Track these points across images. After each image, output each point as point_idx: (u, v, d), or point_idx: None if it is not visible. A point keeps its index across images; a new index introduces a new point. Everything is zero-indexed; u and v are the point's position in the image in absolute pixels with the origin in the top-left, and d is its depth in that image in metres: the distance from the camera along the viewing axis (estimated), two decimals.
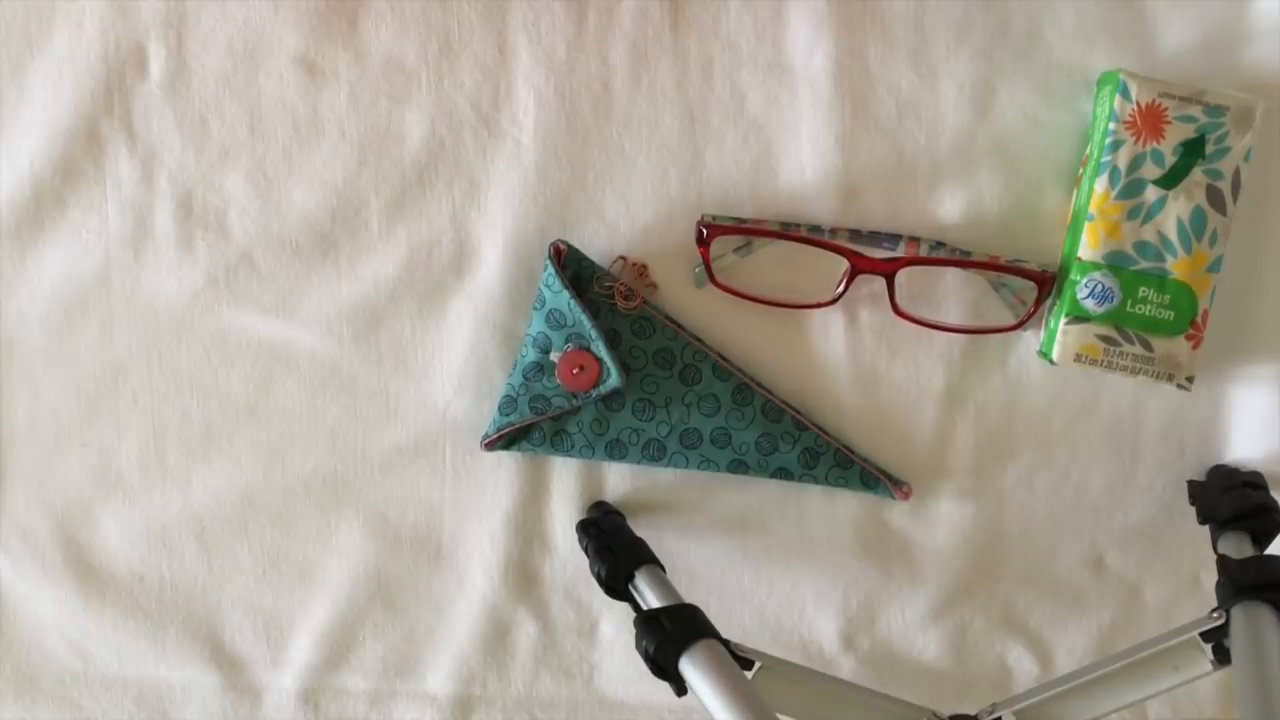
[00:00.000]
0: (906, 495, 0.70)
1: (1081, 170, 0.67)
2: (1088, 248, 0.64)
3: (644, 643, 0.57)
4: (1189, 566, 0.73)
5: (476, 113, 0.69)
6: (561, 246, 0.67)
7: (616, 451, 0.69)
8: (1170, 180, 0.64)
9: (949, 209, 0.69)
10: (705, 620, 0.58)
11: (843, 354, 0.70)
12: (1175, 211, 0.64)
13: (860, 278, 0.66)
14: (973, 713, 0.61)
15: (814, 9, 0.68)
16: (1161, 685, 0.58)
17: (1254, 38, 0.67)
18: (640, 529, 0.69)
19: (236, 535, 0.73)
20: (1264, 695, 0.51)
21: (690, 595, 0.67)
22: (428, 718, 0.75)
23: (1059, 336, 0.65)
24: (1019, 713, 0.60)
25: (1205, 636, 0.57)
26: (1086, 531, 0.72)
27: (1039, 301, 0.66)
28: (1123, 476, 0.72)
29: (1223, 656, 0.57)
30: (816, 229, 0.69)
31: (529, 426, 0.68)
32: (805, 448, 0.69)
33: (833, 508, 0.72)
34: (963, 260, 0.67)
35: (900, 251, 0.68)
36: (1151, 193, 0.64)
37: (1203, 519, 0.68)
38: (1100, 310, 0.64)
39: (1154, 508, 0.72)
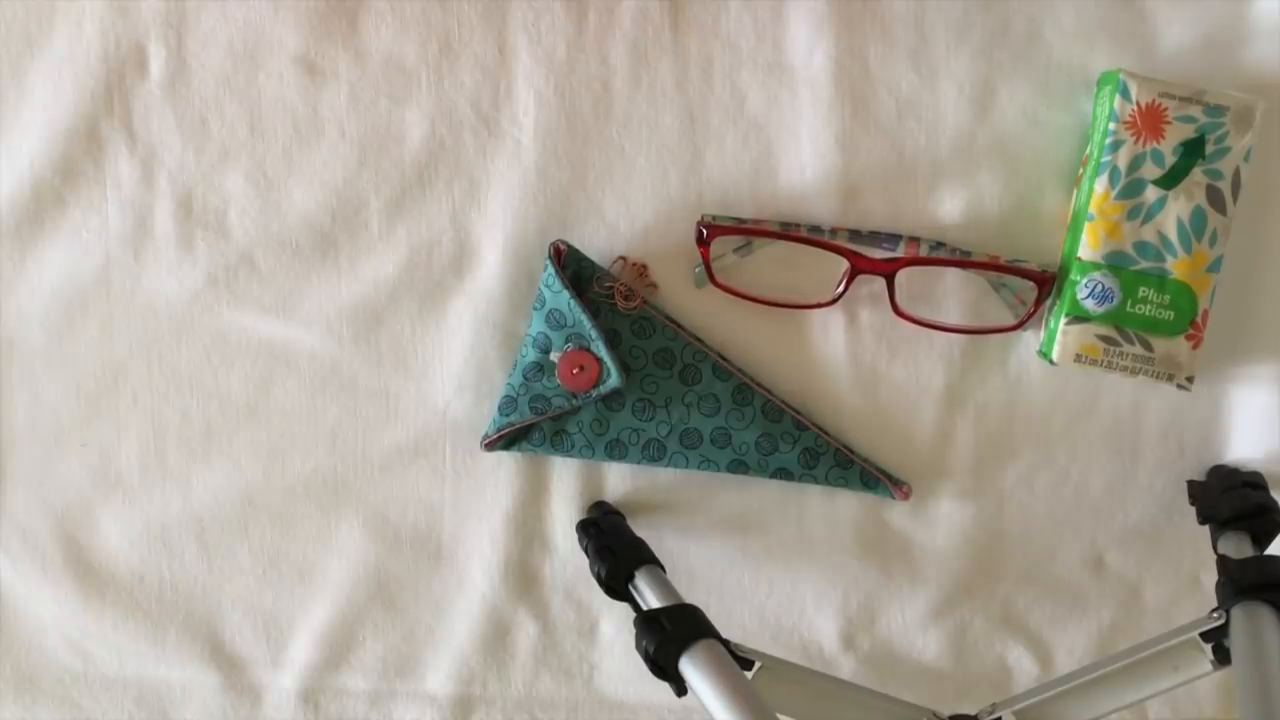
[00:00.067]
0: (906, 495, 0.70)
1: (1081, 170, 0.67)
2: (1088, 248, 0.64)
3: (644, 643, 0.57)
4: (1189, 566, 0.73)
5: (476, 113, 0.69)
6: (561, 246, 0.67)
7: (616, 451, 0.69)
8: (1170, 180, 0.64)
9: (949, 209, 0.69)
10: (705, 620, 0.58)
11: (843, 354, 0.70)
12: (1175, 211, 0.64)
13: (860, 278, 0.66)
14: (973, 713, 0.61)
15: (814, 9, 0.68)
16: (1161, 685, 0.58)
17: (1254, 38, 0.67)
18: (640, 529, 0.69)
19: (236, 535, 0.73)
20: (1264, 695, 0.51)
21: (690, 595, 0.67)
22: (428, 718, 0.75)
23: (1059, 336, 0.65)
24: (1019, 713, 0.60)
25: (1205, 636, 0.57)
26: (1086, 531, 0.72)
27: (1039, 301, 0.66)
28: (1123, 476, 0.72)
29: (1223, 656, 0.57)
30: (816, 229, 0.69)
31: (529, 426, 0.68)
32: (805, 448, 0.69)
33: (833, 508, 0.72)
34: (963, 260, 0.67)
35: (900, 251, 0.68)
36: (1151, 193, 0.64)
37: (1203, 519, 0.68)
38: (1100, 310, 0.64)
39: (1154, 508, 0.72)
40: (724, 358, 0.69)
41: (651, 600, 0.62)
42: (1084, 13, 0.67)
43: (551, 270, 0.66)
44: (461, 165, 0.69)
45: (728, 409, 0.68)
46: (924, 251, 0.68)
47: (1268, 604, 0.57)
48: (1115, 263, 0.64)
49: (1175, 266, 0.64)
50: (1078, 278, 0.65)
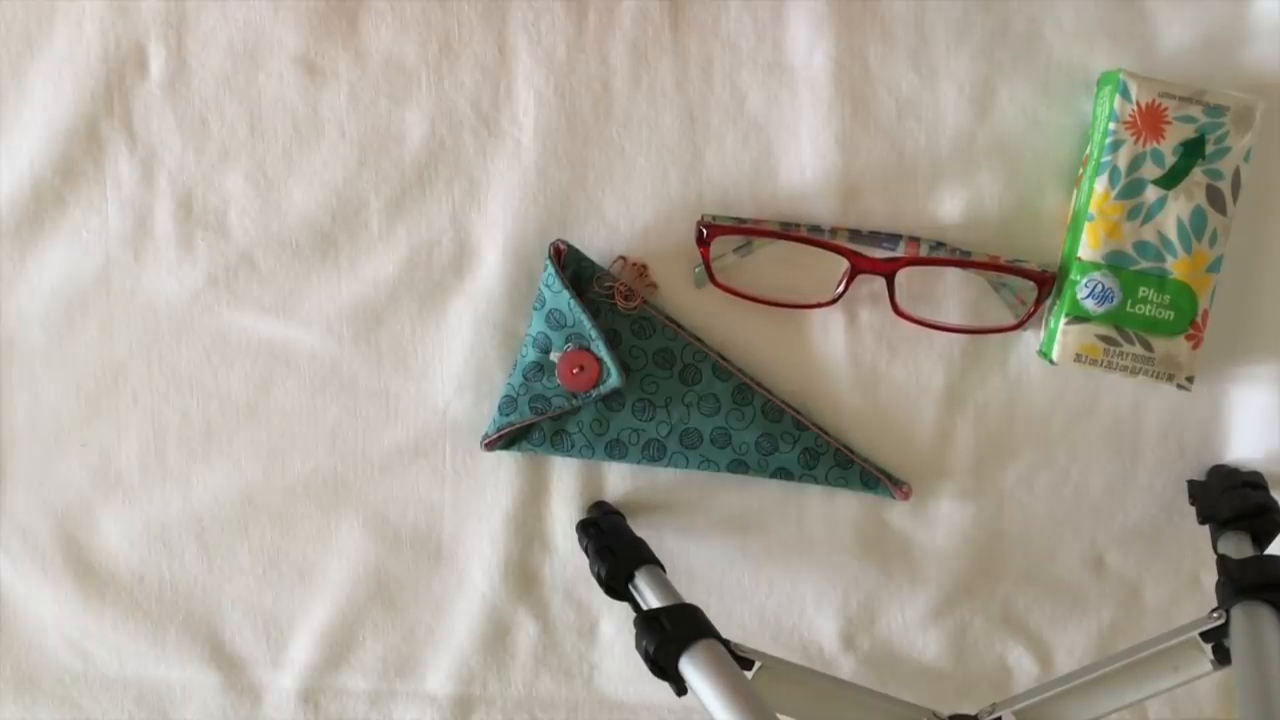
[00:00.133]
0: (906, 495, 0.70)
1: (1081, 170, 0.67)
2: (1088, 248, 0.64)
3: (644, 643, 0.57)
4: (1189, 566, 0.73)
5: (476, 113, 0.69)
6: (561, 246, 0.67)
7: (616, 451, 0.69)
8: (1170, 180, 0.64)
9: (949, 209, 0.69)
10: (705, 620, 0.58)
11: (843, 354, 0.70)
12: (1175, 211, 0.64)
13: (860, 278, 0.66)
14: (973, 713, 0.61)
15: (814, 9, 0.68)
16: (1161, 685, 0.58)
17: (1254, 38, 0.67)
18: (640, 529, 0.69)
19: (236, 535, 0.73)
20: (1264, 695, 0.51)
21: (690, 595, 0.67)
22: (428, 718, 0.75)
23: (1059, 336, 0.65)
24: (1019, 713, 0.60)
25: (1205, 636, 0.57)
26: (1086, 531, 0.72)
27: (1039, 301, 0.66)
28: (1123, 476, 0.72)
29: (1223, 656, 0.57)
30: (816, 229, 0.69)
31: (529, 426, 0.68)
32: (805, 448, 0.69)
33: (833, 508, 0.72)
34: (963, 260, 0.67)
35: (900, 251, 0.68)
36: (1151, 193, 0.64)
37: (1203, 519, 0.68)
38: (1100, 310, 0.64)
39: (1154, 508, 0.72)
40: (724, 358, 0.69)
41: (651, 600, 0.62)
42: (1084, 13, 0.67)
43: (551, 270, 0.66)
44: (461, 165, 0.69)
45: (728, 409, 0.68)
46: (924, 251, 0.68)
47: (1268, 604, 0.56)
48: (1115, 263, 0.64)
49: (1175, 266, 0.64)
50: (1078, 278, 0.65)
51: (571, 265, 0.68)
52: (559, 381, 0.67)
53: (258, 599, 0.74)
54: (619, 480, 0.72)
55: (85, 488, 0.72)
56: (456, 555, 0.73)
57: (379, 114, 0.69)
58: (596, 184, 0.69)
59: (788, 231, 0.68)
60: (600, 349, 0.66)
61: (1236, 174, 0.63)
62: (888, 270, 0.66)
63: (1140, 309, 0.64)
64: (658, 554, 0.67)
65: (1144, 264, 0.64)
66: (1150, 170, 0.64)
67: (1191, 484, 0.71)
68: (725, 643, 0.56)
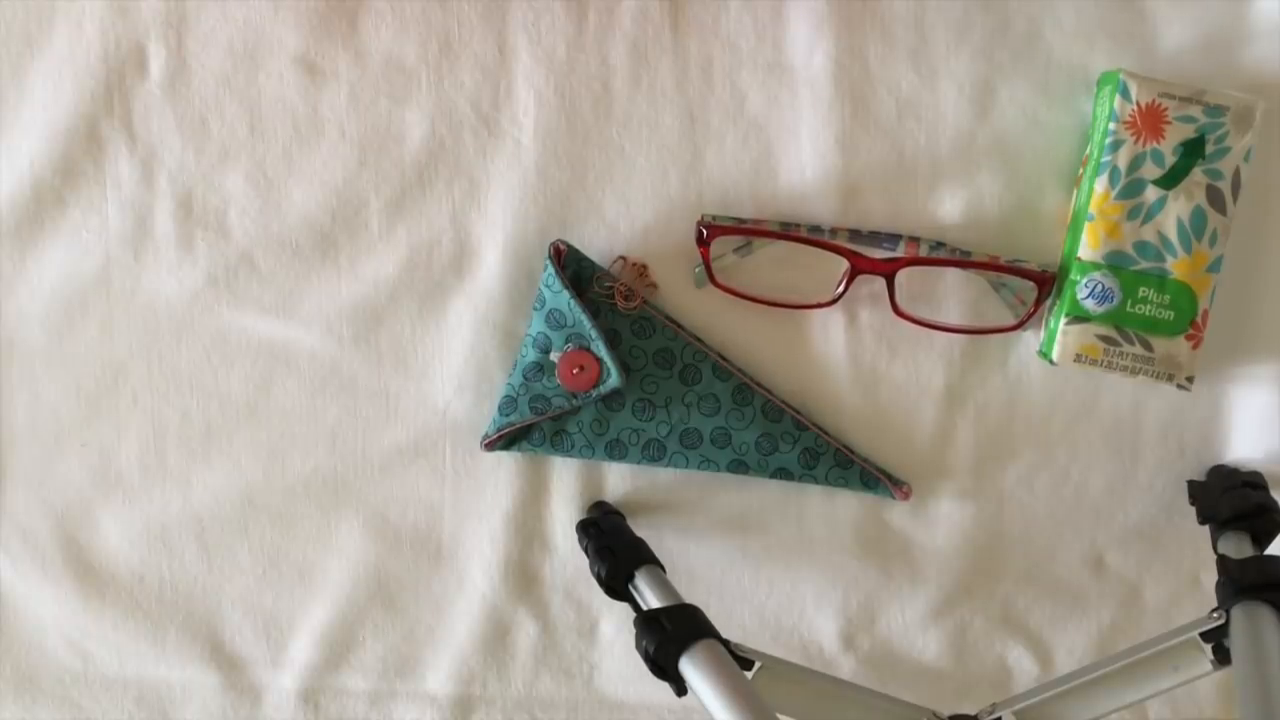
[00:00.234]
0: (906, 495, 0.70)
1: (1081, 170, 0.67)
2: (1088, 248, 0.64)
3: (644, 643, 0.57)
4: (1189, 566, 0.73)
5: (476, 113, 0.69)
6: (561, 246, 0.67)
7: (616, 451, 0.69)
8: (1170, 180, 0.64)
9: (949, 209, 0.69)
10: (705, 620, 0.58)
11: (843, 354, 0.70)
12: (1175, 211, 0.64)
13: (860, 278, 0.66)
14: (973, 713, 0.61)
15: (814, 9, 0.68)
16: (1161, 685, 0.58)
17: (1254, 38, 0.67)
18: (640, 529, 0.69)
19: (236, 535, 0.73)
20: (1264, 695, 0.51)
21: (690, 595, 0.67)
22: (428, 718, 0.75)
23: (1059, 336, 0.65)
24: (1019, 713, 0.60)
25: (1205, 636, 0.57)
26: (1086, 531, 0.72)
27: (1039, 301, 0.66)
28: (1123, 476, 0.72)
29: (1223, 656, 0.57)
30: (816, 229, 0.69)
31: (529, 426, 0.68)
32: (805, 448, 0.69)
33: (833, 508, 0.72)
34: (963, 260, 0.67)
35: (900, 251, 0.68)
36: (1151, 193, 0.64)
37: (1203, 519, 0.68)
38: (1100, 310, 0.64)
39: (1154, 508, 0.72)
40: (724, 358, 0.69)
41: (651, 600, 0.62)
42: (1084, 13, 0.67)
43: (551, 270, 0.66)
44: (461, 165, 0.69)
45: (728, 409, 0.68)
46: (924, 251, 0.68)
47: (1268, 604, 0.56)
48: (1115, 263, 0.64)
49: (1175, 266, 0.64)
50: (1078, 278, 0.65)
51: (571, 265, 0.68)
52: (559, 381, 0.67)
53: (258, 599, 0.74)
54: (619, 480, 0.72)
55: (85, 488, 0.72)
56: (456, 555, 0.73)
57: (379, 114, 0.69)
58: (596, 184, 0.69)
59: (788, 231, 0.68)
60: (600, 349, 0.66)
61: (1236, 174, 0.63)
62: (888, 270, 0.66)
63: (1140, 309, 0.64)
64: (658, 554, 0.67)
65: (1144, 264, 0.64)
66: (1150, 170, 0.64)
67: (1191, 484, 0.71)
68: (725, 643, 0.56)
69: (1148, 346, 0.64)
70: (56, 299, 0.70)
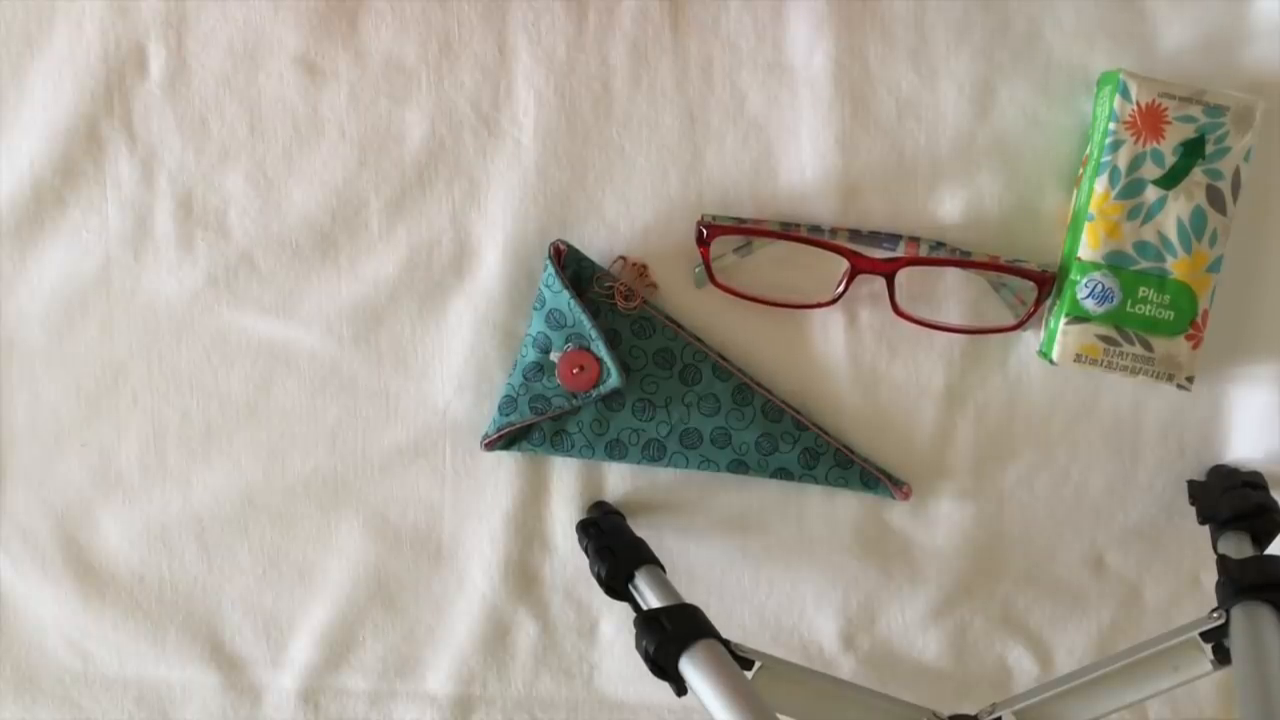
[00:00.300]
0: (906, 495, 0.70)
1: (1081, 170, 0.67)
2: (1088, 248, 0.64)
3: (644, 643, 0.57)
4: (1189, 566, 0.73)
5: (476, 113, 0.69)
6: (561, 246, 0.67)
7: (616, 451, 0.69)
8: (1170, 180, 0.64)
9: (949, 209, 0.69)
10: (705, 620, 0.58)
11: (843, 354, 0.70)
12: (1175, 211, 0.64)
13: (860, 278, 0.66)
14: (973, 713, 0.61)
15: (814, 9, 0.68)
16: (1161, 685, 0.58)
17: (1254, 38, 0.67)
18: (640, 529, 0.69)
19: (236, 535, 0.73)
20: (1264, 695, 0.51)
21: (690, 595, 0.67)
22: (428, 718, 0.75)
23: (1059, 336, 0.65)
24: (1019, 713, 0.60)
25: (1205, 636, 0.57)
26: (1086, 531, 0.72)
27: (1039, 301, 0.66)
28: (1123, 476, 0.72)
29: (1223, 656, 0.57)
30: (816, 229, 0.69)
31: (529, 426, 0.68)
32: (805, 448, 0.69)
33: (833, 508, 0.72)
34: (963, 260, 0.67)
35: (900, 251, 0.68)
36: (1151, 193, 0.64)
37: (1203, 519, 0.68)
38: (1100, 310, 0.64)
39: (1154, 508, 0.72)
40: (724, 358, 0.69)
41: (651, 600, 0.62)
42: (1084, 13, 0.67)
43: (551, 270, 0.66)
44: (461, 165, 0.69)
45: (728, 409, 0.68)
46: (924, 251, 0.68)
47: (1268, 604, 0.56)
48: (1115, 263, 0.64)
49: (1175, 266, 0.64)
50: (1078, 278, 0.65)
51: (571, 265, 0.68)
52: (559, 381, 0.67)
53: (258, 599, 0.74)
54: (619, 480, 0.72)
55: (85, 488, 0.72)
56: (456, 555, 0.73)
57: (379, 114, 0.69)
58: (596, 184, 0.69)
59: (788, 231, 0.68)
60: (600, 349, 0.66)
61: (1236, 174, 0.63)
62: (888, 270, 0.66)
63: (1140, 309, 0.64)
64: (658, 554, 0.67)
65: (1144, 264, 0.64)
66: (1150, 170, 0.64)
67: (1191, 484, 0.71)
68: (725, 643, 0.56)
69: (1148, 346, 0.64)
70: (56, 299, 0.70)
